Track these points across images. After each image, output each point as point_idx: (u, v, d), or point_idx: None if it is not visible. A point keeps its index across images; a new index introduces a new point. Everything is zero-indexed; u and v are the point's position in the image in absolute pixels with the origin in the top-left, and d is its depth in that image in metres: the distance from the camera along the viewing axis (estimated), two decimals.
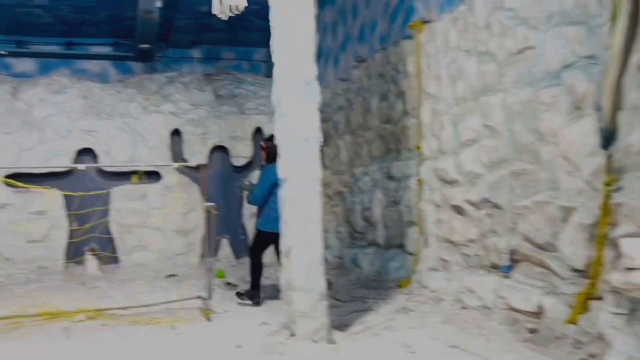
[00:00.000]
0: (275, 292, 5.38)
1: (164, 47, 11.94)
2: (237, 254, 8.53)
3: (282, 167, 4.07)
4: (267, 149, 5.40)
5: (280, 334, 4.04)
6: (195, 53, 12.33)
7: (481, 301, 4.51)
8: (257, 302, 5.33)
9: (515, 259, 4.29)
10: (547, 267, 3.91)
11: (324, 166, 8.63)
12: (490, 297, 4.41)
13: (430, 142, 5.72)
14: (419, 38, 5.88)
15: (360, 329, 4.33)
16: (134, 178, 5.05)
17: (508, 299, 4.15)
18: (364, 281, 6.46)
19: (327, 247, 8.31)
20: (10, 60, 10.73)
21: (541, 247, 3.97)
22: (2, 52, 10.21)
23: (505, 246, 4.38)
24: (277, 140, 4.17)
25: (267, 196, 5.22)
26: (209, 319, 4.73)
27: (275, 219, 4.46)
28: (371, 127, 7.12)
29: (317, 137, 3.98)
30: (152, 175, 8.08)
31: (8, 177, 7.39)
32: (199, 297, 5.38)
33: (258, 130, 8.74)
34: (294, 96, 3.96)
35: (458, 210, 5.25)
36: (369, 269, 6.77)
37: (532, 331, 3.83)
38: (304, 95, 3.96)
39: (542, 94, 3.93)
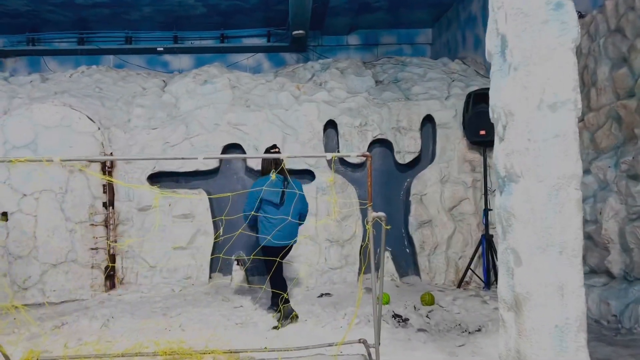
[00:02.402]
0: None
1: (318, 35, 10.92)
2: (402, 271, 6.97)
3: (504, 157, 2.40)
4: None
5: None
6: (352, 39, 11.10)
7: None
8: (293, 317, 4.99)
9: None
10: None
11: None
12: None
13: None
14: None
15: None
16: (273, 175, 3.80)
17: None
18: (594, 329, 4.44)
19: None
20: (168, 58, 10.56)
21: None
22: (159, 49, 10.00)
23: None
24: (498, 110, 2.51)
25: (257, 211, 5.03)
26: None
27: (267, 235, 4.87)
28: (597, 106, 5.04)
29: (573, 101, 2.24)
30: (304, 175, 6.89)
31: (151, 176, 6.76)
32: (361, 342, 3.93)
33: (428, 119, 7.07)
34: (531, 32, 2.26)
35: None
36: (597, 309, 4.71)
37: None
38: (549, 28, 2.24)
39: None
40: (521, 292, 2.27)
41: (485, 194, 6.57)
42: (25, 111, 6.37)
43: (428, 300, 5.64)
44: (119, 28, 10.04)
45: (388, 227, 3.25)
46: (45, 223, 6.34)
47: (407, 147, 6.93)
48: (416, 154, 6.97)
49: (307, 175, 6.92)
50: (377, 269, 3.72)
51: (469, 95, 6.70)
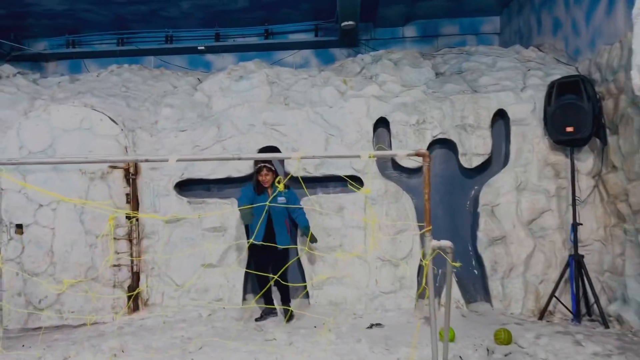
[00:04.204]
0: None
1: (370, 27, 9.93)
2: (469, 297, 5.83)
3: None
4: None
5: None
6: (408, 31, 10.02)
7: None
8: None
9: None
10: None
11: (611, 166, 5.38)
12: None
13: None
14: None
15: None
16: (281, 186, 2.84)
17: None
18: None
19: (625, 302, 5.06)
20: (210, 57, 9.92)
21: None
22: (201, 48, 9.37)
23: None
24: None
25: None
26: None
27: None
28: None
29: None
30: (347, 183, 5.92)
31: (180, 183, 6.02)
32: None
33: (500, 114, 5.92)
34: None
35: None
36: None
37: None
38: None
39: None
40: None
41: (574, 205, 5.34)
42: (42, 113, 5.79)
43: (504, 338, 4.50)
44: (159, 27, 9.50)
45: (457, 265, 2.23)
46: (63, 236, 5.73)
47: (474, 149, 5.80)
48: (486, 157, 5.82)
49: (355, 182, 5.94)
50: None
51: (551, 85, 5.51)
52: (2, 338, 5.39)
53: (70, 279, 5.69)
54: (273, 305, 5.62)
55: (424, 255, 2.36)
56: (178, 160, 2.35)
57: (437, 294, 5.73)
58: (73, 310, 5.71)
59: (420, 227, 5.19)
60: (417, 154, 2.42)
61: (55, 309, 5.68)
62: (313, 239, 5.50)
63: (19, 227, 5.66)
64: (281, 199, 5.45)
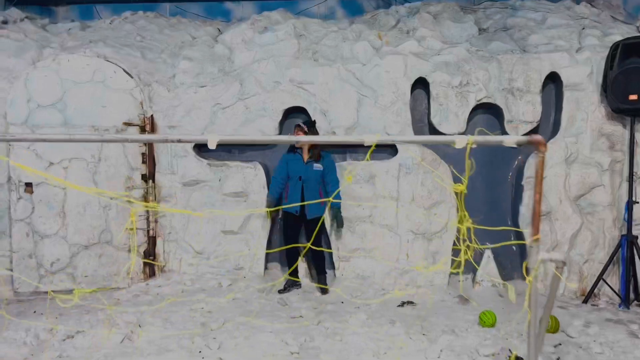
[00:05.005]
0: None
1: None
2: (506, 274, 5.45)
3: None
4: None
5: None
6: None
7: None
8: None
9: None
10: None
11: None
12: None
13: None
14: None
15: None
16: (349, 177, 2.41)
17: None
18: None
19: None
20: (229, 5, 9.21)
21: None
22: None
23: None
24: None
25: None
26: None
27: None
28: None
29: None
30: (383, 149, 5.47)
31: (200, 144, 5.60)
32: None
33: (551, 78, 5.36)
34: None
35: None
36: None
37: None
38: None
39: None
40: None
41: (631, 181, 4.87)
42: (52, 63, 5.32)
43: (551, 326, 4.14)
44: None
45: (572, 286, 1.80)
46: (75, 197, 5.37)
47: (522, 115, 5.28)
48: (534, 125, 5.30)
49: (385, 149, 5.49)
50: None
51: (615, 46, 4.92)
52: (14, 302, 5.17)
53: (83, 242, 5.39)
54: (297, 277, 5.32)
55: (527, 271, 1.92)
56: (219, 144, 1.88)
57: (472, 270, 5.37)
58: (87, 275, 5.42)
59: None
60: (531, 142, 1.92)
61: (67, 272, 5.39)
62: (340, 224, 5.24)
63: (29, 186, 5.31)
64: (317, 166, 5.09)
